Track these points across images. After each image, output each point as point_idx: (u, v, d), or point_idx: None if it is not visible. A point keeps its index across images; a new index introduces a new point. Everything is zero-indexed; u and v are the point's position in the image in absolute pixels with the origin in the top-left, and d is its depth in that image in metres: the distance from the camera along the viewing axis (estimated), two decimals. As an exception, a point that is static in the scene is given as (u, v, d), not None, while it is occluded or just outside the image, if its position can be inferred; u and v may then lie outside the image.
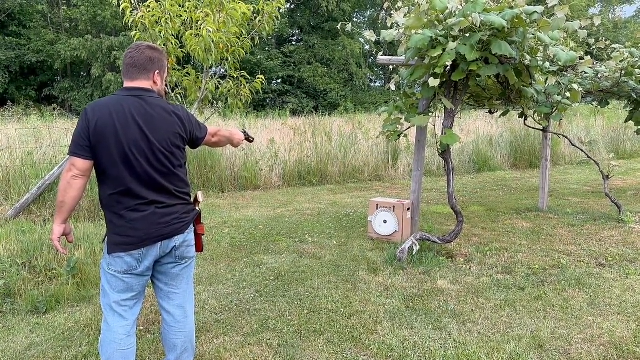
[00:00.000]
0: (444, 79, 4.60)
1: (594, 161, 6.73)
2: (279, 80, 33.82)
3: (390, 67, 5.76)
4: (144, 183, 2.34)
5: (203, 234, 2.72)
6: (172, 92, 4.61)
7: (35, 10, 29.15)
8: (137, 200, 2.34)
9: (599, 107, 9.16)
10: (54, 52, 27.17)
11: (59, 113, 19.91)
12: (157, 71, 2.45)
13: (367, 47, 36.98)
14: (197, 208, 2.65)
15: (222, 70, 4.71)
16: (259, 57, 30.03)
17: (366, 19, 40.79)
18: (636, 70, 7.10)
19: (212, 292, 4.09)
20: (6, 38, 27.33)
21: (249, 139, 3.08)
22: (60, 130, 9.00)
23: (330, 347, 3.19)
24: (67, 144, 7.53)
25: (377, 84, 39.81)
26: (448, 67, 4.56)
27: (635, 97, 8.00)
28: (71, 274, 4.04)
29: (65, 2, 30.09)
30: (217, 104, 5.32)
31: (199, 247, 2.73)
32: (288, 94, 31.77)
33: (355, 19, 39.30)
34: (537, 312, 3.74)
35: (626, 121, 9.23)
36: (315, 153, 10.42)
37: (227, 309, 3.77)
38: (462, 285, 4.27)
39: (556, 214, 6.90)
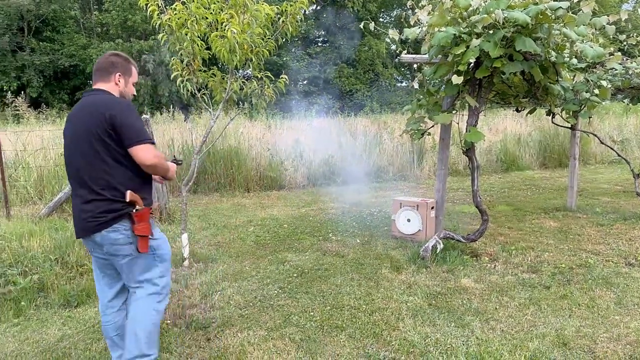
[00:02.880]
0: (468, 77, 4.58)
1: (625, 160, 6.58)
2: (305, 82, 33.94)
3: (415, 65, 5.75)
4: (72, 175, 2.54)
5: (144, 235, 2.53)
6: (199, 92, 4.70)
7: (68, 15, 29.95)
8: (73, 192, 2.57)
9: (631, 104, 8.96)
10: (86, 56, 27.84)
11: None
12: (119, 74, 2.64)
13: (393, 47, 36.76)
14: (134, 208, 2.50)
15: (247, 72, 4.76)
16: (285, 58, 30.20)
17: (392, 19, 40.59)
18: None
19: (236, 287, 4.17)
20: (40, 43, 28.15)
21: (177, 162, 2.94)
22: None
23: (352, 343, 3.22)
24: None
25: (404, 84, 39.57)
26: (472, 65, 4.53)
27: (668, 94, 7.78)
28: (102, 269, 4.16)
29: (96, 7, 30.87)
30: (242, 104, 5.41)
31: (141, 247, 2.54)
32: (314, 95, 31.85)
33: (381, 19, 39.15)
34: (562, 310, 3.69)
35: (659, 118, 9.00)
36: (340, 153, 10.45)
37: (251, 304, 3.84)
38: (486, 283, 4.24)
39: (585, 213, 6.77)
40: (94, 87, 2.63)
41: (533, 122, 13.27)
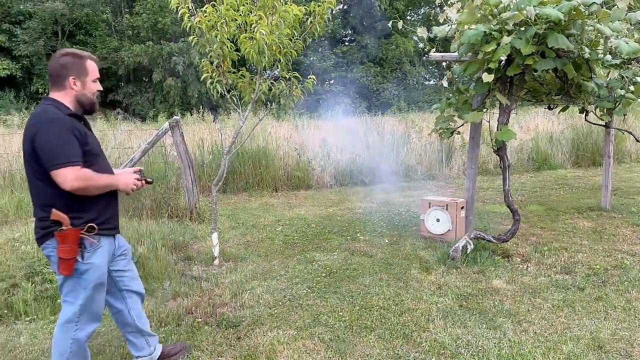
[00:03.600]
0: (499, 74, 4.51)
1: (663, 158, 6.36)
2: (332, 81, 33.94)
3: (444, 63, 5.69)
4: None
5: (65, 258, 2.36)
6: (228, 93, 4.76)
7: (100, 19, 30.70)
8: None
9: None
10: (118, 58, 28.50)
11: (123, 117, 20.92)
12: (73, 77, 2.43)
13: (420, 45, 36.48)
14: (61, 227, 2.35)
15: (275, 72, 4.80)
16: (312, 58, 30.29)
17: (420, 17, 40.23)
18: None
19: (266, 287, 4.20)
20: (74, 46, 28.94)
21: (146, 181, 2.73)
22: (124, 133, 9.47)
23: (382, 343, 3.21)
24: (131, 146, 7.93)
25: (431, 82, 39.19)
26: (503, 62, 4.46)
27: None
28: (135, 267, 4.26)
29: (127, 10, 31.53)
30: (270, 105, 5.44)
31: (61, 269, 2.38)
32: (341, 94, 31.84)
33: (408, 17, 38.85)
34: (597, 313, 3.60)
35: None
36: (367, 152, 10.42)
37: (280, 303, 3.87)
38: (519, 285, 4.17)
39: (620, 213, 6.58)
40: (49, 95, 2.47)
41: (565, 120, 12.97)
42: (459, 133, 5.37)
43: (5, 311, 3.69)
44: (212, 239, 4.80)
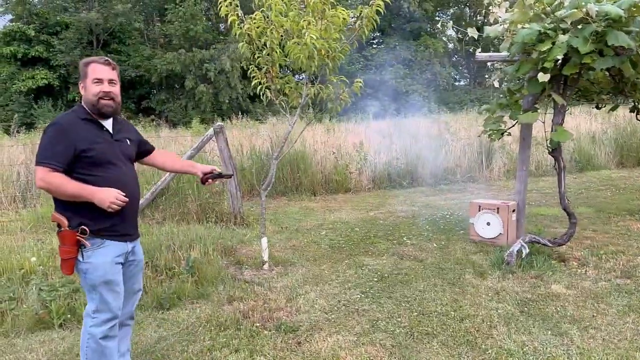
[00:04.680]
0: (554, 74, 4.40)
1: None
2: (361, 84, 33.83)
3: (489, 64, 5.59)
4: None
5: (62, 258, 2.47)
6: (277, 99, 4.77)
7: (133, 27, 31.36)
8: None
9: None
10: (150, 66, 29.05)
11: (157, 124, 21.28)
12: (81, 83, 2.56)
13: (450, 45, 36.10)
14: (60, 229, 2.46)
15: (311, 76, 4.78)
16: (340, 61, 30.25)
17: (449, 17, 39.83)
18: None
19: (319, 291, 4.18)
20: (108, 55, 29.66)
21: (223, 176, 2.90)
22: (166, 139, 9.62)
23: (446, 350, 3.15)
24: (175, 152, 8.05)
25: (462, 83, 38.72)
26: (558, 61, 4.34)
27: None
28: (190, 272, 4.31)
29: (159, 19, 32.14)
30: (315, 109, 5.45)
31: (63, 269, 2.50)
32: (370, 97, 31.72)
33: (437, 18, 38.49)
34: (667, 320, 3.47)
35: None
36: (404, 155, 10.34)
37: (335, 308, 3.85)
38: (579, 290, 4.05)
39: (676, 215, 6.35)
40: None
41: (607, 120, 12.61)
42: (509, 135, 5.26)
43: (69, 315, 3.76)
44: (261, 243, 4.81)
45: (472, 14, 39.22)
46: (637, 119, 6.53)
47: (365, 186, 9.75)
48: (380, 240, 5.77)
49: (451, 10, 39.71)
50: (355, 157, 10.17)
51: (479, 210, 5.43)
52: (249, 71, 4.76)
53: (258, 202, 8.20)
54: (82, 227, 2.45)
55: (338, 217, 7.21)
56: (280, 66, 4.81)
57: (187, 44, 29.34)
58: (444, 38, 35.52)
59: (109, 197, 2.41)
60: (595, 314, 3.59)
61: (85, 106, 2.54)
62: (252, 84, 4.65)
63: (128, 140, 2.68)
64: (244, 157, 9.15)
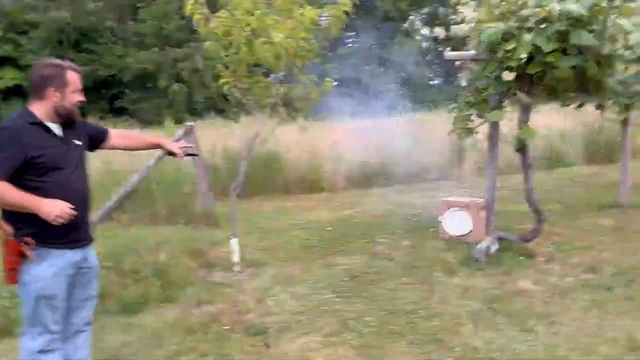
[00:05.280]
0: (519, 73, 4.45)
1: (683, 153, 6.27)
2: (336, 83, 33.87)
3: (457, 63, 5.64)
4: None
5: (5, 268, 2.38)
6: (244, 99, 4.72)
7: (105, 27, 30.77)
8: None
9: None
10: (123, 65, 28.58)
11: (129, 124, 20.93)
12: (54, 88, 2.41)
13: (424, 44, 36.40)
14: (7, 237, 2.37)
15: (282, 75, 4.76)
16: (310, 61, 30.24)
17: (424, 16, 40.14)
18: None
19: (290, 292, 4.15)
20: (79, 55, 29.02)
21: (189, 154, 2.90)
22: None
23: (413, 349, 3.16)
24: (141, 152, 7.91)
25: (437, 82, 39.08)
26: (523, 60, 4.39)
27: None
28: (157, 276, 4.23)
29: (132, 17, 31.63)
30: (287, 108, 5.42)
31: (6, 278, 2.41)
32: (346, 96, 31.80)
33: (411, 17, 38.75)
34: (629, 313, 3.54)
35: None
36: (379, 154, 10.36)
37: (306, 309, 3.83)
38: (546, 285, 4.11)
39: (640, 210, 6.50)
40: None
41: (576, 117, 12.84)
42: (477, 133, 5.31)
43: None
44: (231, 245, 4.76)
45: (446, 13, 39.62)
46: (603, 117, 6.67)
47: (340, 185, 9.75)
48: (353, 240, 5.76)
49: (426, 9, 40.00)
50: (330, 156, 10.17)
51: (449, 208, 5.47)
52: (216, 70, 4.71)
53: (228, 204, 8.15)
54: (27, 237, 2.33)
55: (312, 216, 7.18)
56: (253, 65, 4.77)
57: (160, 42, 28.94)
58: (418, 37, 35.80)
59: (54, 210, 2.28)
60: (560, 310, 3.65)
61: (44, 111, 2.42)
62: (220, 82, 4.59)
63: (77, 142, 2.59)
64: (217, 157, 9.04)
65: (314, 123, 15.14)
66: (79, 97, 2.53)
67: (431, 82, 39.24)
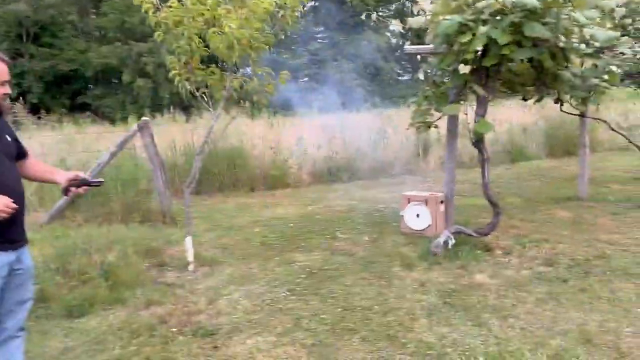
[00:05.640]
0: (475, 65, 4.43)
1: (636, 146, 6.41)
2: (305, 79, 33.73)
3: (418, 56, 5.60)
4: None
5: None
6: (198, 91, 4.57)
7: (66, 20, 29.84)
8: None
9: (639, 90, 8.75)
10: (85, 60, 27.77)
11: (92, 120, 20.35)
12: None
13: (393, 40, 36.57)
14: None
15: (248, 69, 4.65)
16: (284, 56, 30.04)
17: (392, 12, 40.31)
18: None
19: (244, 291, 4.04)
20: (39, 49, 28.07)
21: (89, 184, 2.50)
22: (92, 135, 9.16)
23: (366, 346, 3.09)
24: (99, 149, 7.66)
25: (405, 78, 39.34)
26: (479, 53, 4.37)
27: (678, 77, 7.60)
28: (104, 277, 4.05)
29: (94, 11, 30.75)
30: (243, 103, 5.28)
31: None
32: (315, 92, 31.67)
33: (380, 12, 38.88)
34: (582, 304, 3.55)
35: (669, 103, 8.81)
36: (344, 149, 10.31)
37: (259, 308, 3.71)
38: (502, 279, 4.10)
39: (597, 202, 6.61)
40: None
41: (537, 112, 13.06)
42: (436, 127, 5.29)
43: None
44: (185, 243, 4.61)
45: (413, 9, 39.85)
46: (561, 110, 6.74)
47: (305, 181, 9.66)
48: (314, 236, 5.67)
49: (393, 6, 40.20)
50: (295, 151, 10.07)
51: (409, 203, 5.44)
52: (168, 62, 4.54)
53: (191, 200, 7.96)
54: None
55: (274, 213, 7.07)
56: (212, 58, 4.62)
57: (123, 36, 28.25)
58: (387, 33, 35.90)
59: None
60: (515, 303, 3.64)
61: None
62: (170, 74, 4.42)
63: (8, 137, 2.42)
64: (178, 153, 8.82)
65: (284, 119, 15.06)
66: (6, 90, 2.34)
67: (400, 78, 39.51)
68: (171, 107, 14.73)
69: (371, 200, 7.71)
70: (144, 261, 4.68)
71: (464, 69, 4.23)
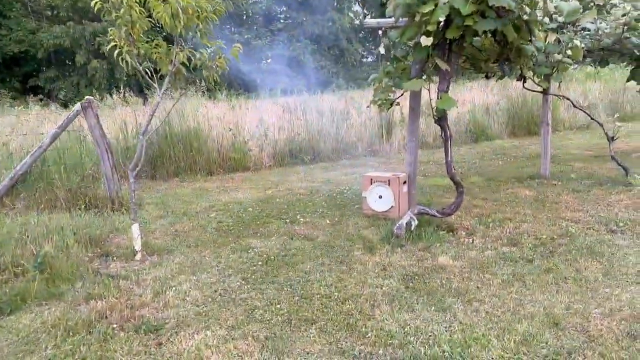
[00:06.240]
0: (438, 38, 4.21)
1: (598, 122, 6.37)
2: (269, 60, 33.08)
3: (380, 31, 5.35)
4: None
5: None
6: (141, 66, 4.20)
7: (15, -2, 28.27)
8: None
9: (599, 67, 8.78)
10: (36, 41, 26.39)
11: (44, 103, 19.36)
12: None
13: (357, 21, 36.23)
14: None
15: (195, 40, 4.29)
16: (246, 36, 29.33)
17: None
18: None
19: (194, 281, 3.75)
20: (-14, 29, 26.55)
21: None
22: (35, 118, 8.59)
23: (324, 337, 2.87)
24: (45, 132, 7.16)
25: (369, 59, 39.14)
26: (441, 24, 4.15)
27: (638, 54, 7.61)
28: (39, 269, 3.70)
29: (44, -12, 29.19)
30: (200, 83, 4.92)
31: None
32: (278, 73, 31.09)
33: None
34: (548, 286, 3.43)
35: (627, 81, 8.85)
36: (306, 130, 10.03)
37: (210, 299, 3.44)
38: (466, 260, 3.95)
39: (560, 180, 6.57)
40: None
41: (500, 91, 13.09)
42: (398, 104, 5.07)
43: None
44: (132, 231, 4.28)
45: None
46: (524, 87, 6.64)
47: (266, 163, 9.35)
48: (273, 220, 5.41)
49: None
50: (255, 133, 9.73)
51: (371, 184, 5.23)
52: (109, 34, 4.15)
53: (143, 186, 7.56)
54: None
55: (233, 197, 6.76)
56: (160, 30, 4.25)
57: (76, 16, 26.96)
58: (350, 14, 35.56)
59: None
60: (480, 285, 3.49)
61: None
62: (108, 47, 4.03)
63: None
64: (130, 135, 8.36)
65: (242, 100, 14.59)
66: None
67: (364, 60, 39.30)
68: (126, 89, 13.99)
69: (333, 182, 7.49)
70: (86, 251, 4.34)
71: (427, 40, 3.99)
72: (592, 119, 6.52)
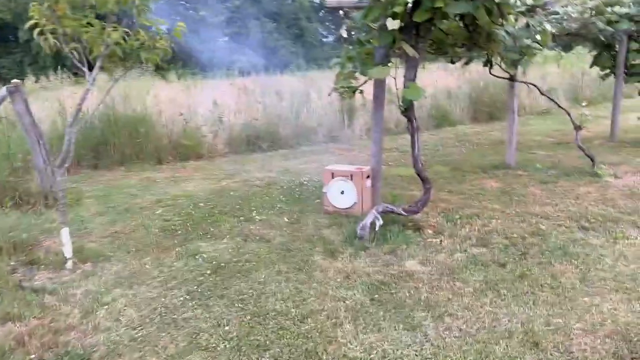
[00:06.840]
0: (405, 22, 3.82)
1: (566, 111, 6.18)
2: (226, 38, 32.00)
3: (341, 11, 4.91)
4: None
5: None
6: (67, 46, 3.64)
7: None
8: None
9: (563, 52, 8.66)
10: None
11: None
12: None
13: (317, 0, 35.45)
14: None
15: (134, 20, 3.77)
16: (201, 13, 28.20)
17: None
18: (607, 8, 6.54)
19: (131, 297, 3.29)
20: None
21: None
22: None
23: (278, 368, 2.50)
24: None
25: (330, 39, 38.51)
26: (409, 6, 3.76)
27: (602, 39, 7.48)
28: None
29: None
30: (146, 64, 4.38)
31: None
32: (235, 52, 30.12)
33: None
34: (524, 295, 3.16)
35: (591, 66, 8.79)
36: (264, 115, 9.53)
37: (147, 320, 3.00)
38: (434, 265, 3.64)
39: (525, 170, 6.39)
40: None
41: (462, 75, 12.88)
42: (361, 92, 4.68)
43: None
44: (61, 236, 3.75)
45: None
46: (491, 74, 6.38)
47: (221, 151, 8.81)
48: (226, 218, 4.96)
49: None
50: (209, 118, 9.14)
51: (333, 178, 4.85)
52: (30, 10, 3.56)
53: (84, 178, 6.94)
54: None
55: (183, 189, 6.25)
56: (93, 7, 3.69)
57: (17, -11, 25.15)
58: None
59: None
60: (450, 296, 3.18)
61: None
62: (26, 25, 3.46)
63: None
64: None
65: (196, 80, 13.87)
66: None
67: (324, 40, 38.65)
68: (61, 69, 12.97)
69: (293, 172, 7.06)
70: (9, 259, 3.80)
71: (393, 23, 3.60)
72: (559, 107, 6.34)
